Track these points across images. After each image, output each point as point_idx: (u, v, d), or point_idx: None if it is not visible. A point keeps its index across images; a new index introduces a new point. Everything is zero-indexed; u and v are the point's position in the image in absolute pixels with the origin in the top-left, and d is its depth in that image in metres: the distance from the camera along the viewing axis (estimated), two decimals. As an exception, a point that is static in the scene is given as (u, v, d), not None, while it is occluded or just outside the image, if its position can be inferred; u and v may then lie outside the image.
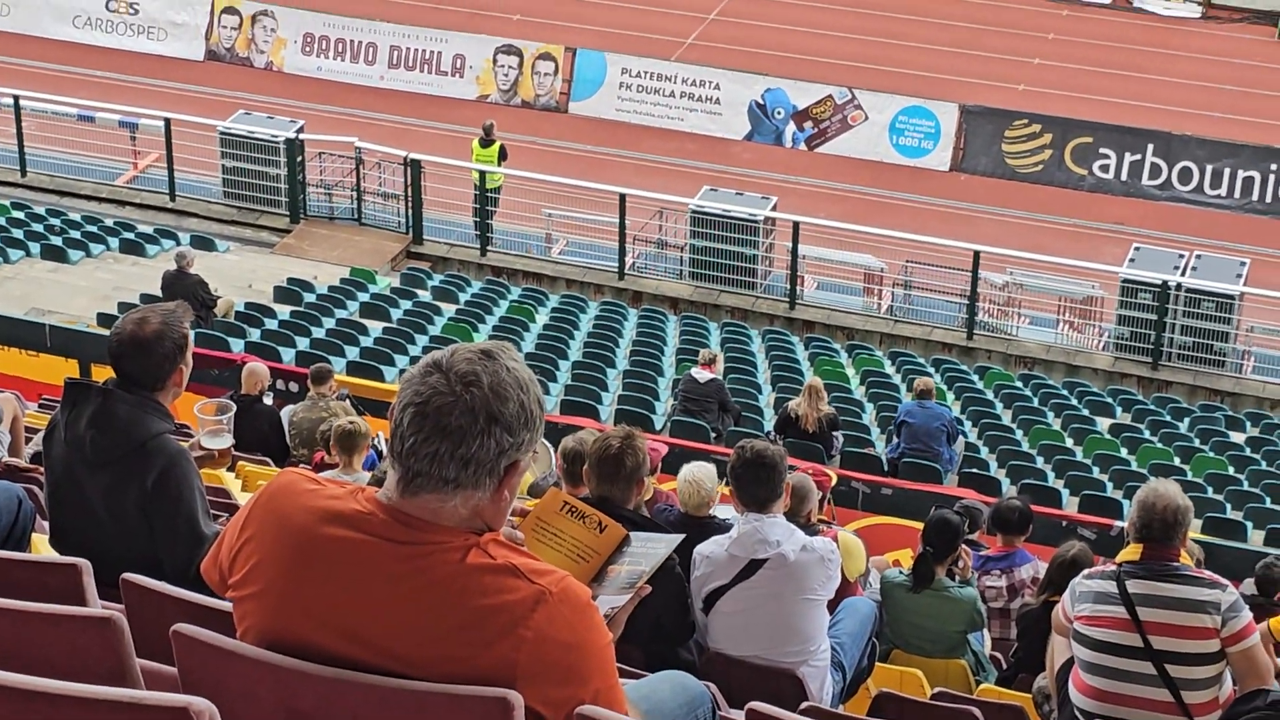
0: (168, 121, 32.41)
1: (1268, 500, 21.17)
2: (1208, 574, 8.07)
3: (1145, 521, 7.97)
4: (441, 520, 4.15)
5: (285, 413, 17.29)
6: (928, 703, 8.42)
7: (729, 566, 8.37)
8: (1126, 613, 7.85)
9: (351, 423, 13.97)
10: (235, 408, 7.54)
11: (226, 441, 7.37)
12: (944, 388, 25.06)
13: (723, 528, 9.46)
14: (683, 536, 5.33)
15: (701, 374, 21.67)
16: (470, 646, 4.05)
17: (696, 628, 8.53)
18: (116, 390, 6.85)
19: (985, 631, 11.76)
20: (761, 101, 39.19)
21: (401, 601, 4.09)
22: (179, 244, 28.39)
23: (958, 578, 11.29)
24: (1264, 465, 22.99)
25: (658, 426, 21.72)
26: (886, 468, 20.79)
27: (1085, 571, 8.37)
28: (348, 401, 17.85)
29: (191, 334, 7.04)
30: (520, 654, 4.05)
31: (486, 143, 32.14)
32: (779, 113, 39.11)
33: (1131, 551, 8.04)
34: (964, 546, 11.39)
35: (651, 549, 5.02)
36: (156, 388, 6.91)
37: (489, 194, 31.49)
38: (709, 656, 8.39)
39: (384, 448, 17.50)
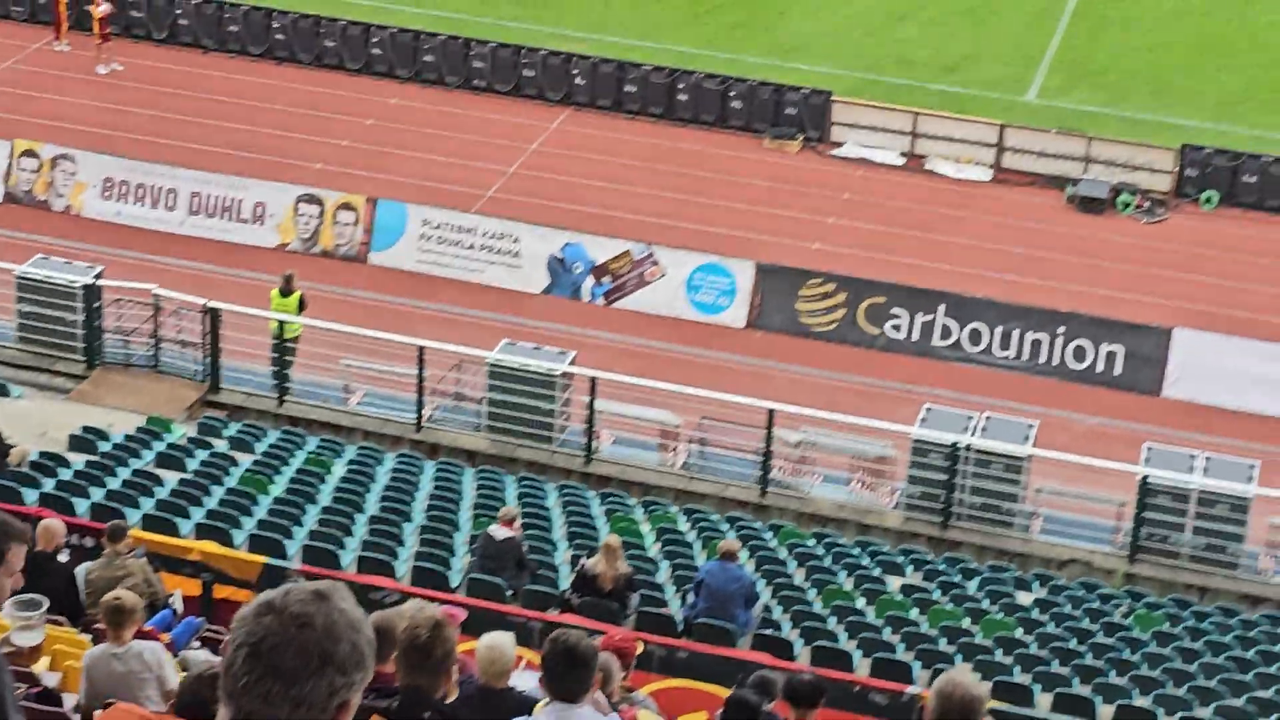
0: (-40, 265, 32.00)
1: (1055, 663, 21.50)
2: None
3: (943, 712, 8.10)
4: None
5: (80, 571, 17.03)
6: None
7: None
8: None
9: (117, 598, 13.56)
10: (46, 604, 7.48)
11: (38, 638, 7.31)
12: (739, 545, 25.21)
13: (523, 701, 9.50)
14: None
15: (500, 531, 21.68)
16: None
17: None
18: None
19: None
20: (560, 255, 39.48)
21: None
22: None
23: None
24: (1051, 628, 23.36)
25: (454, 584, 21.67)
26: (681, 628, 20.85)
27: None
28: (144, 559, 17.62)
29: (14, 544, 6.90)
30: None
31: (286, 292, 32.04)
32: (577, 267, 39.41)
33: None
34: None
35: None
36: None
37: (287, 343, 31.38)
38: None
39: (179, 605, 17.32)
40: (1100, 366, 37.89)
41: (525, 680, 11.60)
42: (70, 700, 11.89)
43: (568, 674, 8.42)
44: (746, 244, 40.55)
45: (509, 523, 21.95)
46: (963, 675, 8.29)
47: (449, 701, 8.70)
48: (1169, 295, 40.10)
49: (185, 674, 12.33)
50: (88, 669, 12.14)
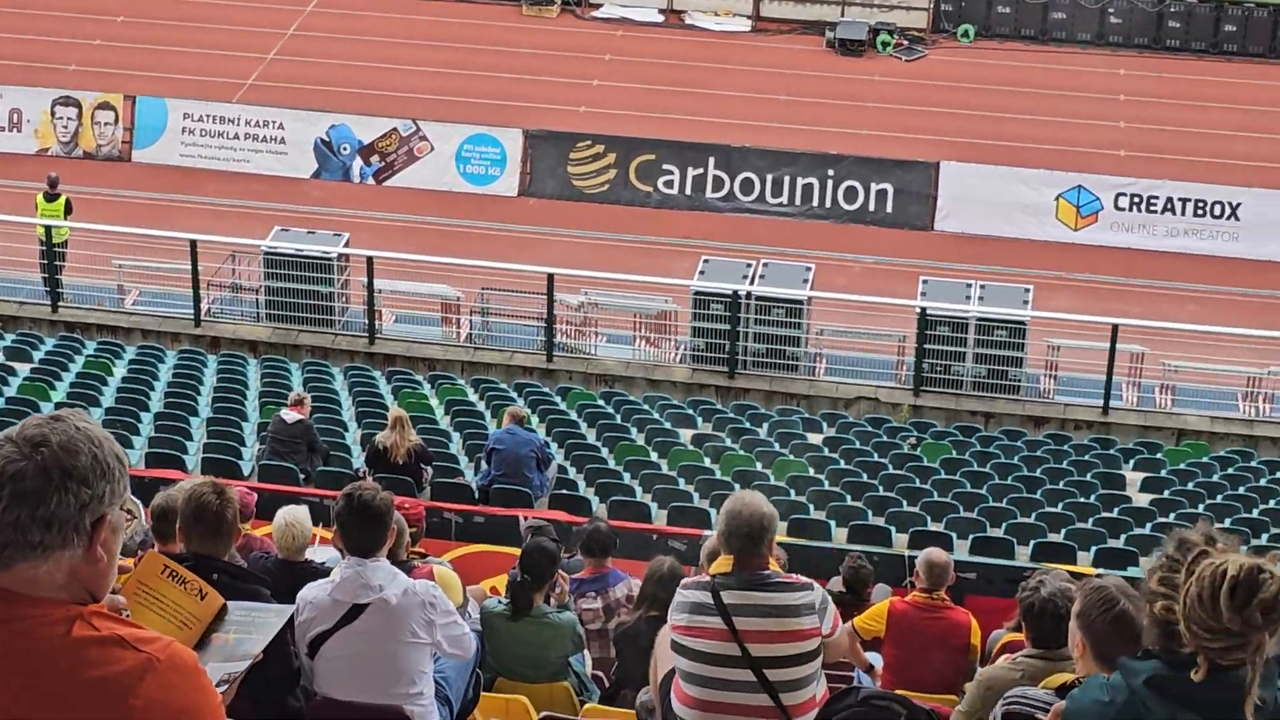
0: None
1: (848, 498, 21.87)
2: (797, 577, 8.30)
3: (733, 532, 8.22)
4: (39, 591, 4.13)
5: None
6: (535, 729, 8.59)
7: (332, 611, 8.39)
8: (723, 623, 8.06)
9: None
10: None
11: None
12: (529, 411, 25.30)
13: (321, 572, 9.51)
14: (293, 609, 5.34)
15: (290, 415, 21.56)
16: None
17: (302, 673, 8.54)
18: None
19: (586, 653, 11.97)
20: (327, 138, 39.13)
21: (6, 678, 4.08)
22: None
23: (555, 603, 11.47)
24: (842, 464, 23.73)
25: (245, 472, 21.54)
26: (478, 496, 20.92)
27: (682, 582, 8.58)
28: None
29: None
30: (132, 723, 4.08)
31: (51, 197, 31.45)
32: (345, 148, 39.09)
33: (723, 563, 8.27)
34: (560, 571, 11.57)
35: (261, 619, 5.05)
36: None
37: (56, 249, 30.81)
38: (316, 702, 8.41)
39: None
40: (872, 206, 38.35)
41: (322, 555, 11.61)
42: None
43: (363, 528, 8.44)
44: (514, 112, 40.40)
45: (298, 406, 21.83)
46: (750, 495, 8.42)
47: (240, 564, 8.69)
48: (933, 131, 40.56)
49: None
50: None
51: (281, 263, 30.26)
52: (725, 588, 8.12)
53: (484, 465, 21.41)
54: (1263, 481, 24.59)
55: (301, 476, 20.85)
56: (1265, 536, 20.58)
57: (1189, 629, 4.84)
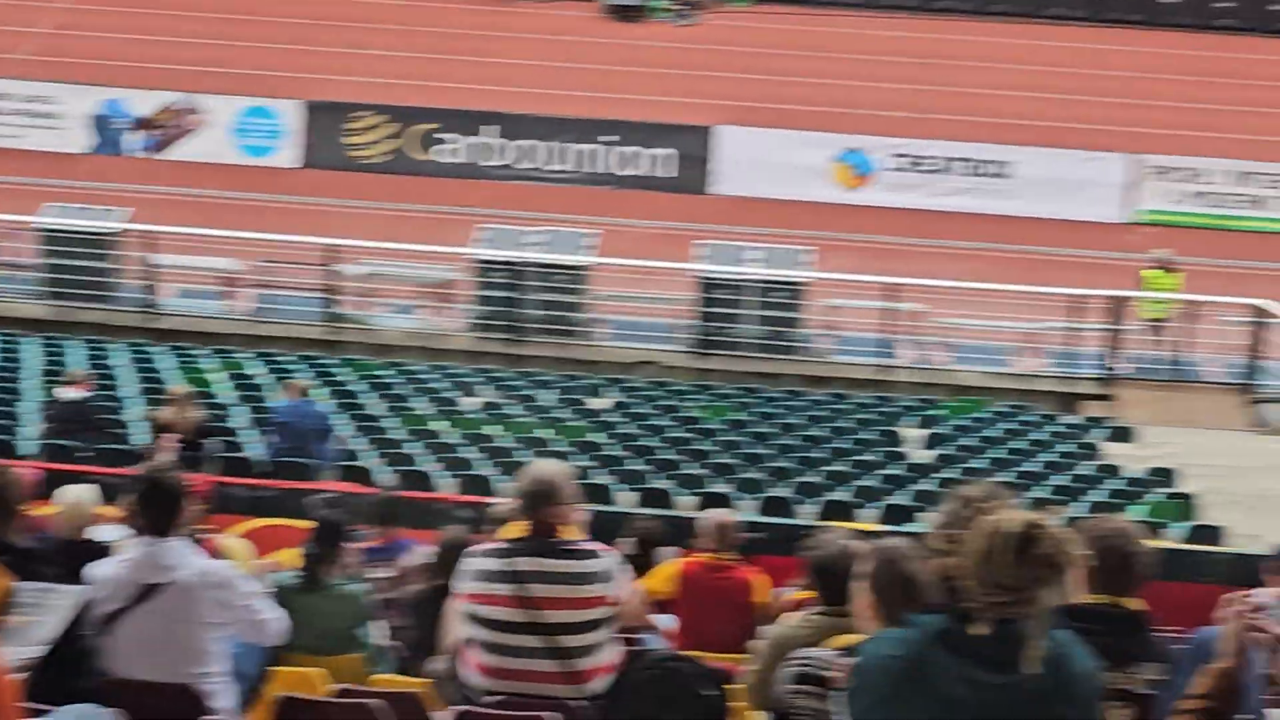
0: None
1: (633, 461, 22.01)
2: (590, 544, 8.39)
3: (522, 498, 8.32)
4: None
5: None
6: (329, 700, 8.61)
7: (125, 590, 8.33)
8: (514, 590, 8.14)
9: None
10: None
11: None
12: (313, 383, 25.15)
13: (104, 550, 9.45)
14: (86, 591, 5.32)
15: (69, 393, 21.27)
16: None
17: (93, 652, 8.47)
18: None
19: (377, 622, 12.00)
20: (102, 113, 38.57)
21: None
22: None
23: (345, 574, 11.49)
24: (626, 427, 23.88)
25: (24, 451, 21.22)
26: (263, 469, 20.80)
27: (472, 550, 8.64)
28: None
29: None
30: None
31: None
32: (120, 123, 38.57)
33: (515, 529, 8.36)
34: (350, 542, 11.58)
35: (53, 601, 5.06)
36: None
37: None
38: (108, 681, 8.36)
39: None
40: (650, 171, 38.57)
41: (107, 535, 11.53)
42: None
43: (157, 508, 8.38)
44: (291, 84, 40.11)
45: (77, 384, 21.54)
46: (542, 463, 8.53)
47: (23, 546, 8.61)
48: (710, 95, 40.87)
49: None
50: None
51: (58, 239, 29.83)
52: (516, 554, 8.20)
53: (269, 439, 21.30)
54: (1036, 435, 25.14)
55: (83, 455, 20.60)
56: (1041, 489, 21.05)
57: (972, 583, 4.98)
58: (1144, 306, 30.57)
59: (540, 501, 8.26)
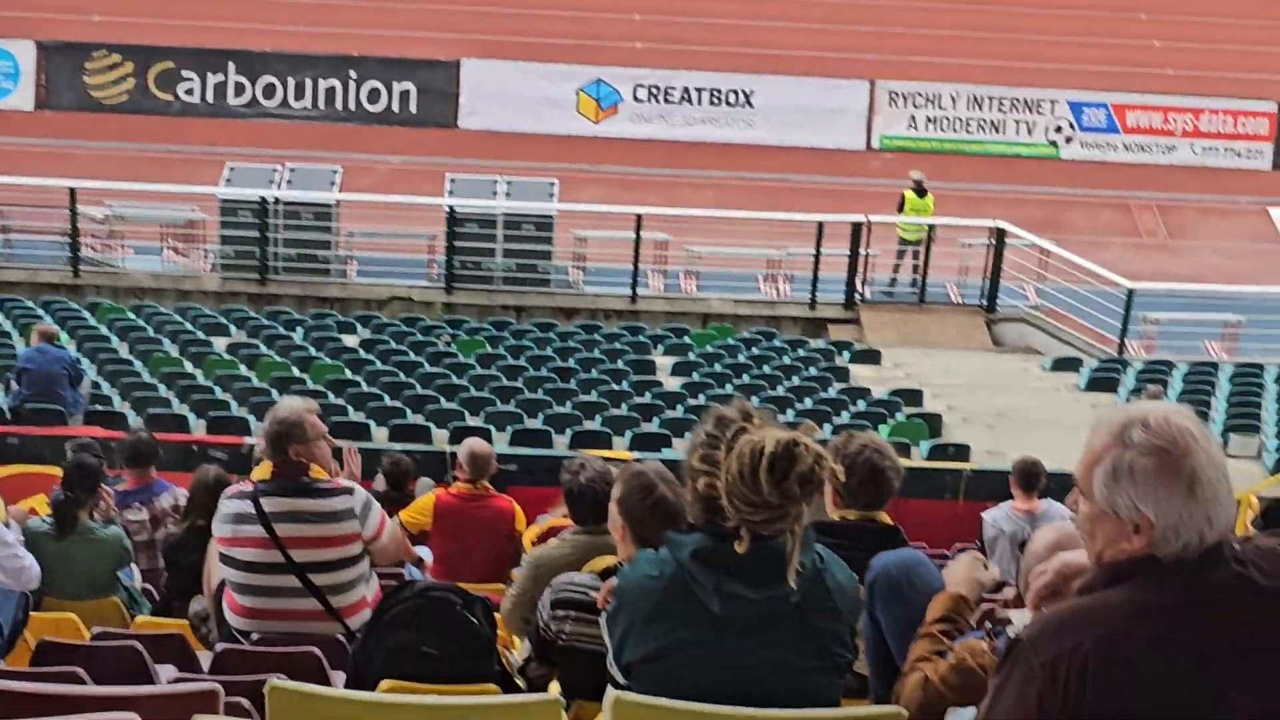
0: None
1: (386, 398, 22.01)
2: (337, 481, 8.41)
3: (269, 440, 8.34)
4: None
5: None
6: (89, 644, 8.56)
7: None
8: (265, 531, 8.15)
9: None
10: None
11: None
12: (57, 329, 24.77)
13: None
14: None
15: None
16: None
17: None
18: None
19: (134, 566, 11.92)
20: None
21: None
22: None
23: (99, 518, 11.39)
24: (379, 364, 23.84)
25: None
26: (9, 416, 20.49)
27: (225, 492, 8.64)
28: None
29: None
30: None
31: None
32: None
33: (263, 469, 8.37)
34: (103, 486, 11.49)
35: None
36: None
37: None
38: None
39: None
40: (396, 106, 38.40)
41: None
42: None
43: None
44: (24, 23, 39.23)
45: None
46: (285, 400, 8.57)
47: None
48: (454, 29, 40.72)
49: None
50: None
51: None
52: (264, 494, 8.22)
53: (14, 385, 20.97)
54: (785, 360, 25.52)
55: None
56: (790, 413, 21.40)
57: (731, 503, 5.08)
58: (902, 228, 31.11)
59: (283, 441, 8.29)
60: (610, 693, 5.29)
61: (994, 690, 3.92)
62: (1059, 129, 40.45)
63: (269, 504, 8.17)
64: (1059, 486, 13.98)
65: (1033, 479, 13.70)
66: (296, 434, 8.28)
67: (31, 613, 9.79)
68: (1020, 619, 5.48)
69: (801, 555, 5.10)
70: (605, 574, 6.79)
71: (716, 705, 5.13)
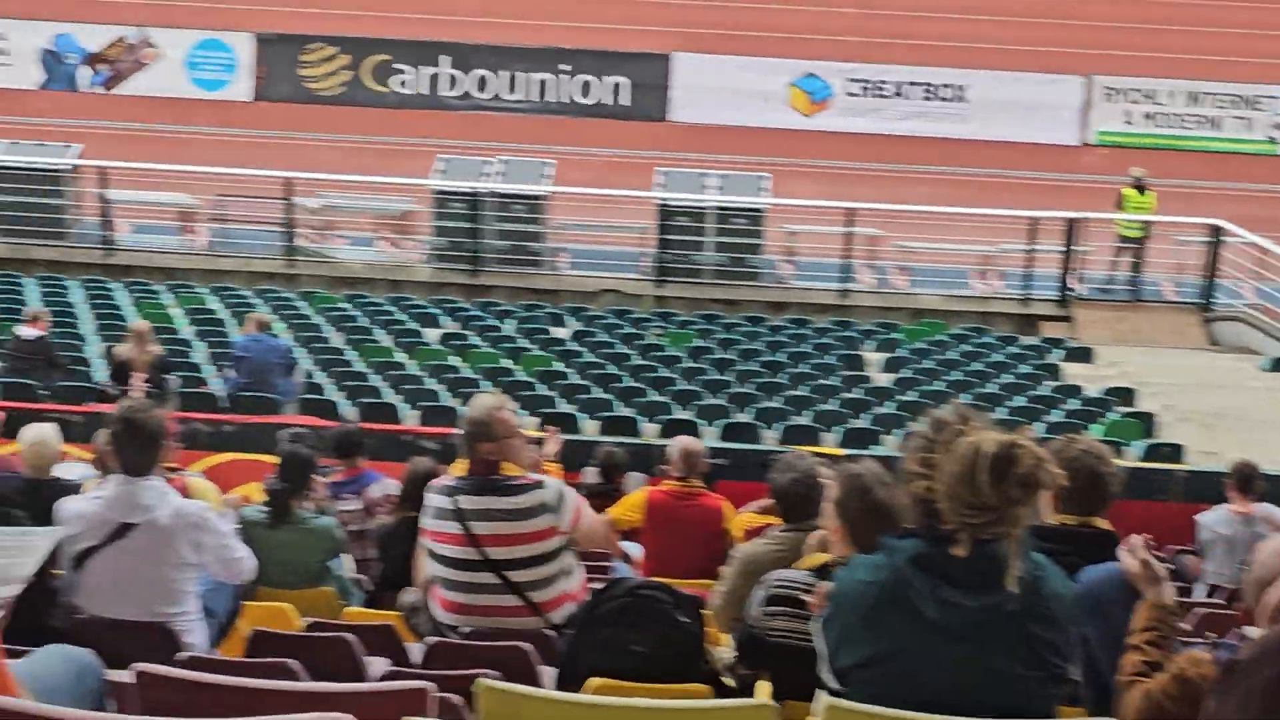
0: None
1: (596, 390, 22.02)
2: (528, 476, 8.36)
3: (463, 438, 8.35)
4: None
5: None
6: (302, 634, 8.61)
7: (101, 527, 8.29)
8: (461, 528, 8.18)
9: None
10: None
11: None
12: (273, 317, 25.10)
13: (71, 488, 9.43)
14: (61, 532, 5.25)
15: (28, 331, 21.21)
16: None
17: (62, 590, 8.43)
18: None
19: (347, 556, 12.00)
20: (52, 48, 38.28)
21: None
22: None
23: (313, 507, 11.48)
24: (589, 356, 23.89)
25: (-16, 391, 21.16)
26: (225, 404, 20.77)
27: (429, 485, 8.65)
28: None
29: None
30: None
31: None
32: (71, 58, 38.30)
33: (460, 466, 8.37)
34: (316, 476, 11.57)
35: (28, 542, 5.02)
36: None
37: None
38: (80, 618, 8.33)
39: None
40: (607, 99, 38.47)
41: (72, 473, 11.50)
42: None
43: (137, 447, 8.32)
44: (243, 16, 39.84)
45: (36, 322, 21.46)
46: (479, 398, 8.55)
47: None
48: (665, 22, 40.71)
49: None
50: None
51: (10, 176, 29.65)
52: (460, 492, 8.23)
53: (230, 373, 21.27)
54: (996, 356, 25.22)
55: (43, 391, 20.54)
56: (1001, 411, 21.14)
57: (949, 506, 4.99)
58: (1121, 226, 30.65)
59: (474, 440, 8.28)
60: (823, 699, 5.22)
61: (1209, 715, 3.80)
62: (1278, 125, 39.65)
63: (465, 501, 8.18)
64: (1276, 489, 13.71)
65: (1250, 481, 13.46)
66: (486, 433, 8.27)
67: (247, 602, 9.87)
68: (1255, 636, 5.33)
69: (1020, 561, 5.01)
70: (820, 571, 6.71)
71: (932, 714, 5.04)
